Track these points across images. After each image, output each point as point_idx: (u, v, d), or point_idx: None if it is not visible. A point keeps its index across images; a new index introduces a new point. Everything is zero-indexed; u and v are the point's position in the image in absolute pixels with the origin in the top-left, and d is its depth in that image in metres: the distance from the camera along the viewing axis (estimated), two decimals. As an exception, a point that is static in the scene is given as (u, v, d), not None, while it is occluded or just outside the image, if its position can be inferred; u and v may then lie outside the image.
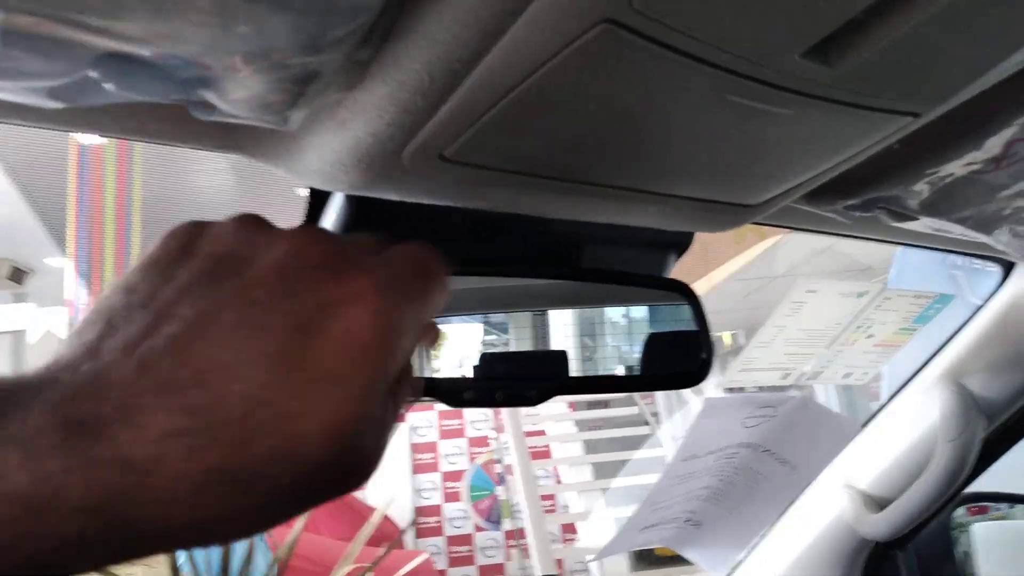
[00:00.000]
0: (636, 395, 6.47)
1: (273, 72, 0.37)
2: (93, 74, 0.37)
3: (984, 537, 1.78)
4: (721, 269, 4.81)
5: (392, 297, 0.32)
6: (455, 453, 6.99)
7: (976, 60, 0.46)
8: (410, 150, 0.45)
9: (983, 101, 0.54)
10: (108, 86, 0.38)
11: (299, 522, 0.94)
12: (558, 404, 6.48)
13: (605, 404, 6.71)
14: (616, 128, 0.46)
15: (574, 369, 0.68)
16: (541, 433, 6.55)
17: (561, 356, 0.71)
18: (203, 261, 0.32)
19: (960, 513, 2.23)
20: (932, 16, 0.40)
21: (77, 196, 5.66)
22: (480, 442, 6.95)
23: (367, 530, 1.03)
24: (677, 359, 0.71)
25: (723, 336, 6.05)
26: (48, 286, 7.56)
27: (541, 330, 0.73)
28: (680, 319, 0.68)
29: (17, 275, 8.13)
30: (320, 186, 0.50)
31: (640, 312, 0.74)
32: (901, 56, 0.43)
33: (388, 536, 3.82)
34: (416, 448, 7.00)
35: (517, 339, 0.73)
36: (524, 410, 6.30)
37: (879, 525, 1.22)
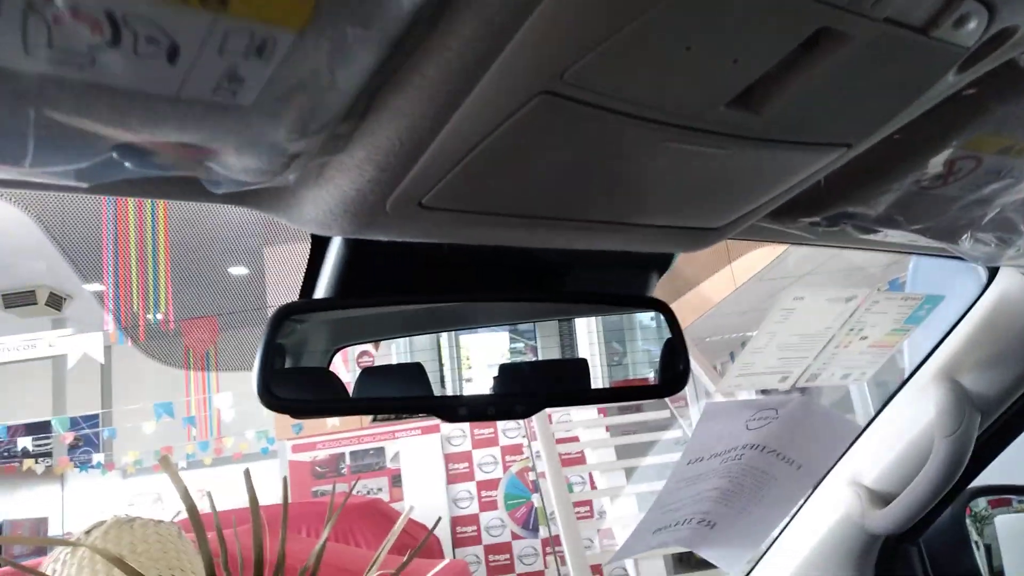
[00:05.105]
0: (667, 399, 6.49)
1: (265, 153, 0.44)
2: (114, 156, 0.44)
3: (1007, 529, 1.80)
4: (744, 266, 4.83)
5: None
6: (489, 462, 7.05)
7: (895, 96, 0.52)
8: (391, 200, 0.51)
9: (919, 126, 0.60)
10: (128, 164, 0.45)
11: (325, 531, 1.01)
12: (589, 410, 6.51)
13: (637, 408, 6.73)
14: (572, 174, 0.52)
15: (561, 382, 0.74)
16: (574, 439, 6.59)
17: (561, 367, 0.77)
18: None
19: (982, 506, 2.25)
20: (841, 65, 0.45)
21: (105, 224, 5.87)
22: (514, 450, 7.00)
23: (393, 536, 1.09)
24: (662, 369, 0.77)
25: (752, 334, 6.05)
26: (85, 312, 7.81)
27: (532, 346, 0.79)
28: (660, 333, 0.74)
29: (55, 301, 8.39)
30: (316, 232, 0.56)
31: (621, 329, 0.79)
32: (823, 98, 0.49)
33: (426, 545, 3.86)
34: (450, 458, 7.07)
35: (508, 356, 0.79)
36: (556, 417, 6.34)
37: (884, 519, 1.26)
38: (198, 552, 1.01)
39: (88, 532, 1.00)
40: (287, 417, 7.14)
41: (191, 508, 0.85)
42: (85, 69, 0.35)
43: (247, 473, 0.88)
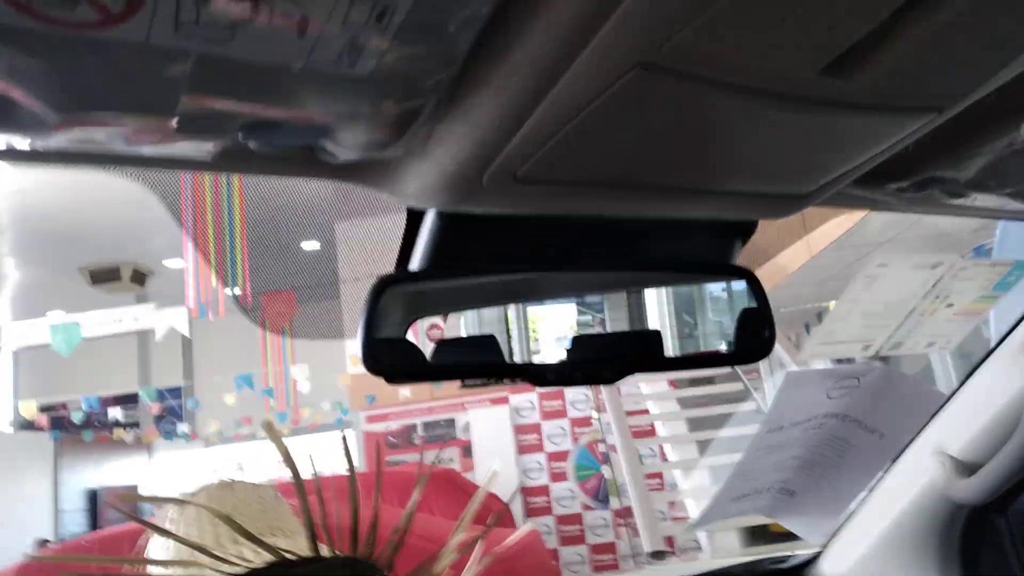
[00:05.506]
0: (740, 371, 6.42)
1: (376, 124, 0.47)
2: (241, 135, 0.48)
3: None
4: (822, 235, 4.72)
5: None
6: (558, 434, 7.10)
7: (991, 58, 0.51)
8: (488, 174, 0.54)
9: (1013, 88, 0.59)
10: (253, 142, 0.49)
11: (414, 496, 1.05)
12: (659, 383, 6.48)
13: (708, 381, 6.68)
14: (664, 143, 0.54)
15: (647, 349, 0.76)
16: (644, 412, 6.58)
17: (635, 339, 0.78)
18: None
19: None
20: (939, 26, 0.46)
21: (183, 202, 6.09)
22: (583, 423, 7.04)
23: (473, 506, 1.13)
24: (743, 337, 0.78)
25: (829, 305, 5.92)
26: (167, 287, 8.14)
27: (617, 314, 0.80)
28: (743, 300, 0.75)
29: (139, 277, 8.77)
30: (415, 205, 0.59)
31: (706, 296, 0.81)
32: (917, 62, 0.49)
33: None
34: (520, 429, 7.15)
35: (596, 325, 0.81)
36: (625, 390, 6.34)
37: (970, 488, 1.24)
38: (294, 513, 1.07)
39: (195, 493, 1.07)
40: (361, 388, 7.28)
41: (294, 471, 0.90)
42: (225, 44, 0.38)
43: (343, 439, 0.93)
